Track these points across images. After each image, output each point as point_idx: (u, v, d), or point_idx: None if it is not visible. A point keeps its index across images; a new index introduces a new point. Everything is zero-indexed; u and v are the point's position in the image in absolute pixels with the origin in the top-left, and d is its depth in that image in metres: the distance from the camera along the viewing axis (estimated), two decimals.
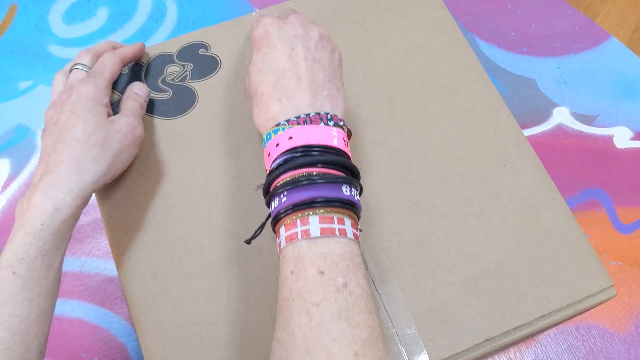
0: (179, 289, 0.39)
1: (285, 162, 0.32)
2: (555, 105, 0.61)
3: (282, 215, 0.31)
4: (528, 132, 0.59)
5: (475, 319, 0.38)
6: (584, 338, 0.50)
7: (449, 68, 0.47)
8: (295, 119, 0.33)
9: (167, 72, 0.47)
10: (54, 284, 0.35)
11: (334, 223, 0.30)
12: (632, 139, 0.59)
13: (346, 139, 0.34)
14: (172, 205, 0.42)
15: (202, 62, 0.47)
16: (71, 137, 0.36)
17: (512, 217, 0.41)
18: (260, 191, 0.42)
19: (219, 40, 0.48)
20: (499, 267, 0.40)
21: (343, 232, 0.30)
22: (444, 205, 0.42)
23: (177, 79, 0.47)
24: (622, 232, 0.54)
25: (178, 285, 0.39)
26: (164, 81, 0.46)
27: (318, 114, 0.33)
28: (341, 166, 0.32)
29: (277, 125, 0.33)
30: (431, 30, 0.49)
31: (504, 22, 0.66)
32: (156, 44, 0.48)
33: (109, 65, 0.41)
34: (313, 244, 0.30)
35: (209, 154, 0.44)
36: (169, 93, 0.46)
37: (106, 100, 0.40)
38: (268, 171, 0.33)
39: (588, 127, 0.60)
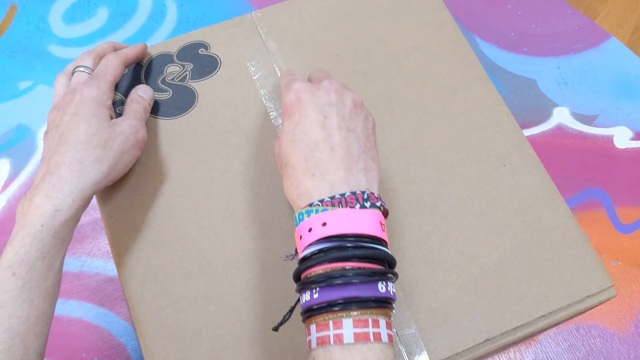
0: (179, 289, 0.39)
1: (319, 252, 0.30)
2: (555, 105, 0.61)
3: (314, 313, 0.30)
4: (528, 132, 0.59)
5: (475, 319, 0.38)
6: (584, 338, 0.50)
7: (449, 68, 0.47)
8: (330, 200, 0.31)
9: (167, 72, 0.47)
10: (54, 285, 0.35)
11: (368, 327, 0.29)
12: (632, 139, 0.59)
13: (383, 222, 0.32)
14: (172, 205, 0.42)
15: (202, 61, 0.47)
16: (73, 139, 0.36)
17: (512, 217, 0.41)
18: (263, 192, 0.42)
19: (219, 40, 0.48)
20: (499, 267, 0.40)
21: (377, 337, 0.29)
22: (444, 205, 0.42)
23: (177, 78, 0.47)
24: (622, 232, 0.54)
25: (178, 285, 0.39)
26: (163, 81, 0.46)
27: (354, 193, 0.31)
28: (377, 259, 0.30)
29: (310, 205, 0.31)
30: (431, 30, 0.49)
31: (504, 22, 0.66)
32: (156, 44, 0.48)
33: (112, 67, 0.41)
34: (347, 351, 0.28)
35: (209, 154, 0.44)
36: (168, 93, 0.46)
37: (109, 102, 0.40)
38: (300, 256, 0.32)
39: (588, 127, 0.60)
